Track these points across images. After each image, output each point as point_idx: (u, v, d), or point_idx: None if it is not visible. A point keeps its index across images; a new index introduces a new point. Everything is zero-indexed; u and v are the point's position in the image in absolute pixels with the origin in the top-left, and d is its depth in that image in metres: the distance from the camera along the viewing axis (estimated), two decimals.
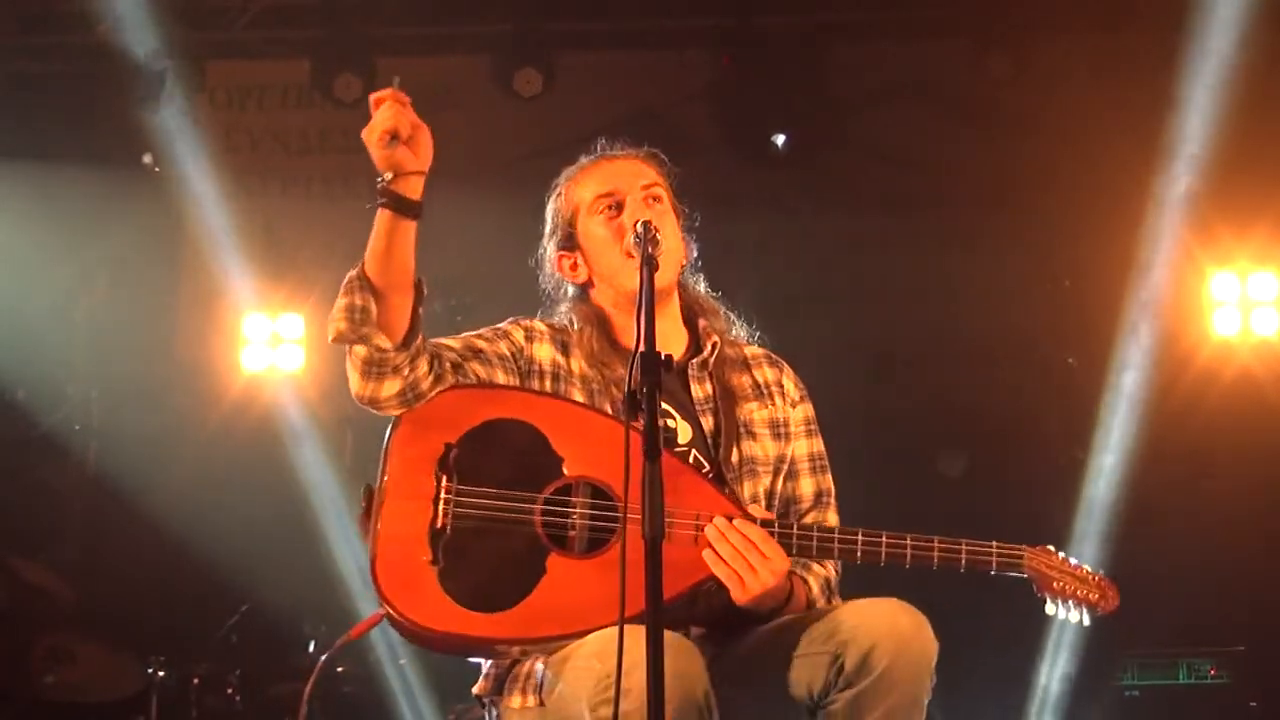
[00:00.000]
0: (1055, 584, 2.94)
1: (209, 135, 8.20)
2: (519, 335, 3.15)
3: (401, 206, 2.84)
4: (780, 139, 7.74)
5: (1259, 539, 7.00)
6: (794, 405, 3.27)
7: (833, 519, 3.22)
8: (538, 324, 3.21)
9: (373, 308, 2.86)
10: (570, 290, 3.27)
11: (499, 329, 3.17)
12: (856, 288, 7.88)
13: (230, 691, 6.62)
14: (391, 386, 2.90)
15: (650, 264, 2.82)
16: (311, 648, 6.49)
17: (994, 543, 2.92)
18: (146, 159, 8.00)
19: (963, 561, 2.90)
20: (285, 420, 7.93)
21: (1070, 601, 2.95)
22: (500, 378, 3.07)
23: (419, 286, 2.94)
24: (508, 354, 3.10)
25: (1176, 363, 7.49)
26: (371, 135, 2.85)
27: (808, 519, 3.19)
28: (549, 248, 3.29)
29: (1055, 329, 7.57)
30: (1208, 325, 7.61)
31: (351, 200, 8.34)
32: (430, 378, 2.94)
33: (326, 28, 7.92)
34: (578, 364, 3.14)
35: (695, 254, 3.33)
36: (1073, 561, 2.98)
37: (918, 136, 7.93)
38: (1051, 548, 2.97)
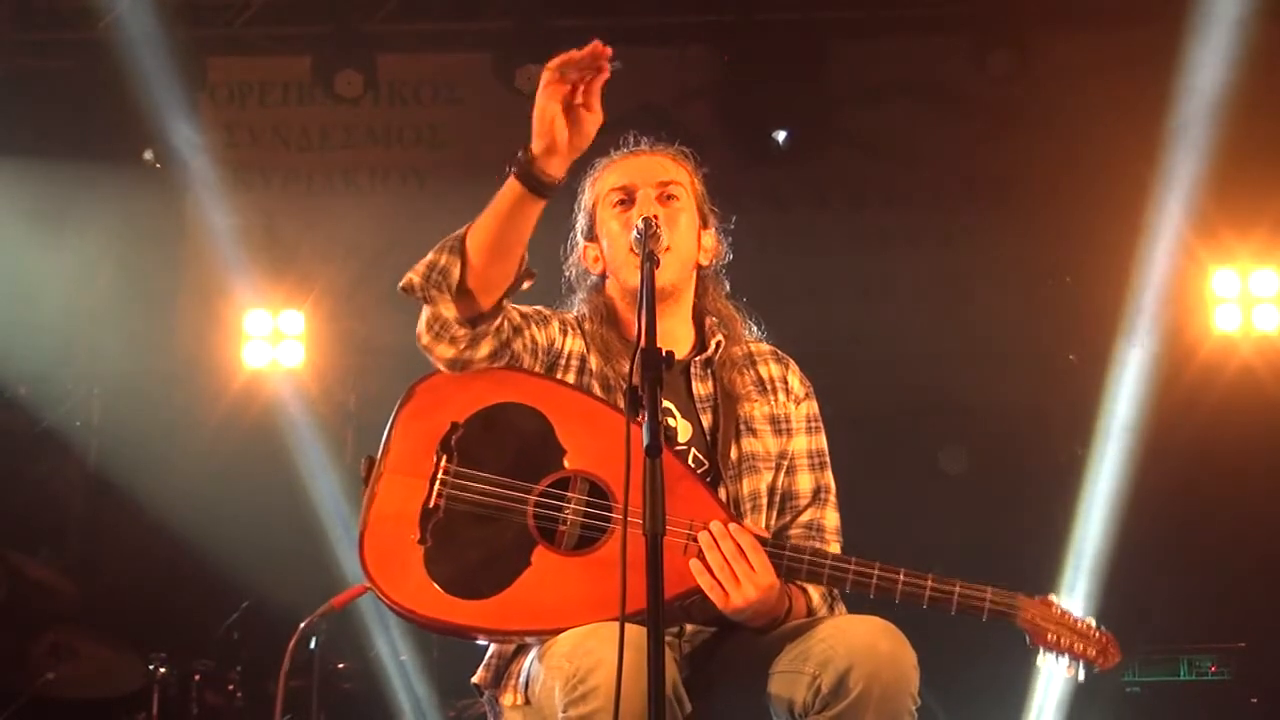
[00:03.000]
0: (1049, 637, 2.84)
1: (210, 131, 8.21)
2: (555, 327, 3.16)
3: (537, 186, 2.77)
4: (781, 135, 7.74)
5: (1260, 535, 7.00)
6: (798, 402, 3.26)
7: (831, 516, 3.21)
8: (569, 315, 3.23)
9: (455, 272, 2.84)
10: (591, 280, 3.28)
11: (545, 316, 3.17)
12: (857, 284, 7.88)
13: (231, 688, 6.62)
14: (445, 351, 2.91)
15: (651, 260, 2.81)
16: (313, 644, 6.49)
17: (989, 588, 2.85)
18: (147, 155, 8.00)
19: (954, 603, 2.82)
20: (286, 416, 7.93)
21: (1065, 655, 2.85)
22: (534, 368, 3.07)
23: (526, 271, 2.91)
24: (546, 345, 3.11)
25: (1178, 359, 7.50)
26: (542, 118, 2.71)
27: (805, 515, 3.18)
28: (578, 237, 3.31)
29: (1057, 325, 7.56)
30: (1209, 321, 7.62)
31: (352, 196, 8.35)
32: (486, 360, 2.95)
33: (328, 24, 7.93)
34: (595, 359, 3.15)
35: (727, 255, 3.32)
36: (1074, 615, 2.88)
37: (919, 133, 7.93)
38: (1053, 598, 2.88)
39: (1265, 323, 7.59)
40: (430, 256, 2.87)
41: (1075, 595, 6.91)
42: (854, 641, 2.74)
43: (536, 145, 2.74)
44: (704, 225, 3.27)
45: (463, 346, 2.90)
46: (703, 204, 3.28)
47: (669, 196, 3.19)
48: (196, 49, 8.07)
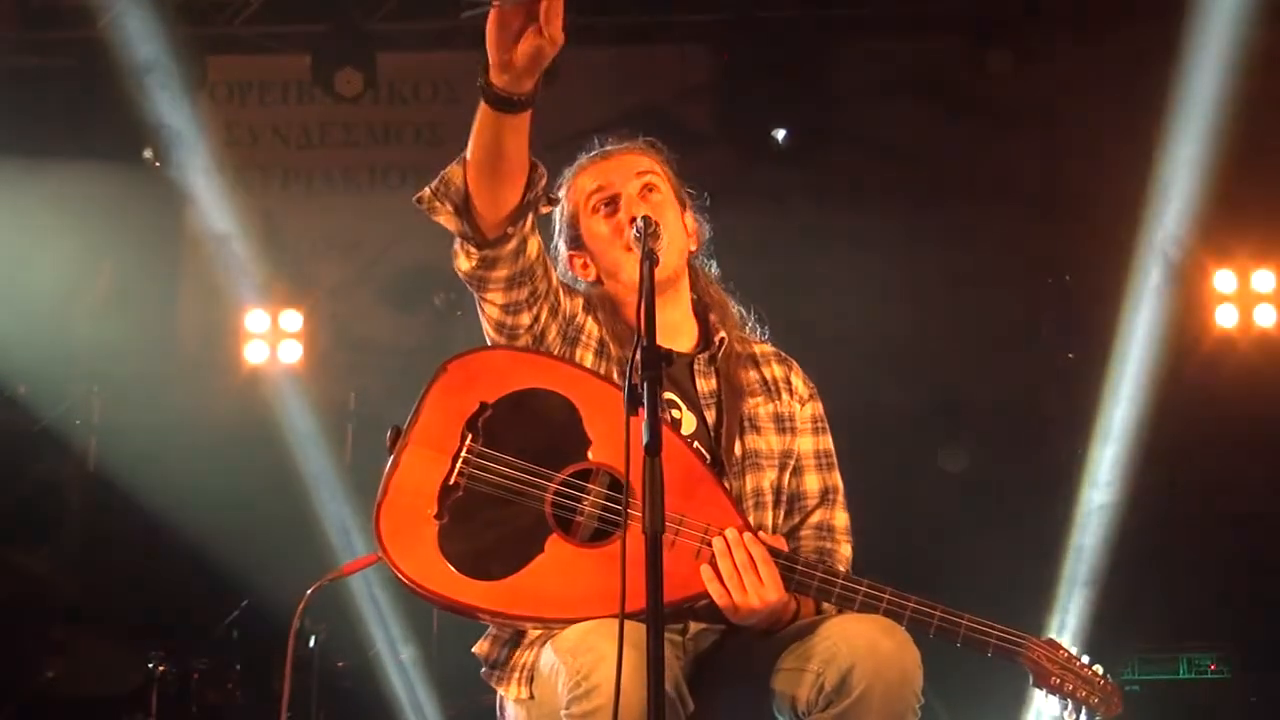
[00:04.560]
0: (1054, 680, 2.83)
1: (210, 130, 8.21)
2: (580, 304, 3.16)
3: (500, 103, 2.72)
4: (781, 134, 7.74)
5: (1260, 533, 7.00)
6: (802, 403, 3.26)
7: (841, 516, 3.21)
8: (592, 297, 3.23)
9: (459, 184, 2.83)
10: (582, 286, 3.27)
11: (572, 290, 3.18)
12: (857, 282, 7.87)
13: (230, 686, 6.62)
14: (463, 263, 2.92)
15: (651, 259, 2.80)
16: (312, 643, 6.49)
17: (996, 625, 2.84)
18: (147, 154, 8.00)
19: (960, 635, 2.82)
20: (285, 415, 7.94)
21: (1069, 700, 2.84)
22: (551, 333, 3.07)
23: (540, 195, 2.88)
24: (568, 314, 3.12)
25: (1177, 357, 7.50)
26: (489, 41, 2.67)
27: (815, 516, 3.18)
28: (560, 247, 3.28)
29: (1055, 323, 7.56)
30: (1209, 319, 7.61)
31: (352, 194, 8.35)
32: (503, 283, 2.93)
33: (327, 22, 7.93)
34: (614, 345, 3.15)
35: (708, 234, 3.32)
36: (1082, 660, 2.87)
37: (918, 131, 7.93)
38: (1059, 640, 2.87)
39: (1265, 320, 7.59)
40: (444, 170, 2.87)
41: (1075, 594, 6.91)
42: (857, 640, 2.74)
43: (492, 71, 2.71)
44: (683, 209, 3.27)
45: (475, 263, 2.90)
46: (678, 189, 3.28)
47: (650, 189, 3.19)
48: (196, 47, 8.08)
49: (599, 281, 3.24)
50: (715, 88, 7.99)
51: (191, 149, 8.09)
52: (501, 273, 2.92)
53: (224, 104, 8.43)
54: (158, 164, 8.02)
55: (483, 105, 2.72)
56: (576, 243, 3.24)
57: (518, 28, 2.62)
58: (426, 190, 2.87)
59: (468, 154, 2.81)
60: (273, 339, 8.06)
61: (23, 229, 7.82)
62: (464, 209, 2.85)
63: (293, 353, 8.06)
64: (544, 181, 2.89)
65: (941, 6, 7.89)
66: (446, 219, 2.86)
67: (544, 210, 2.95)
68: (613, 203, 3.16)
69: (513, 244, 2.88)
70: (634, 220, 2.97)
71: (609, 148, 3.27)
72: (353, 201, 8.29)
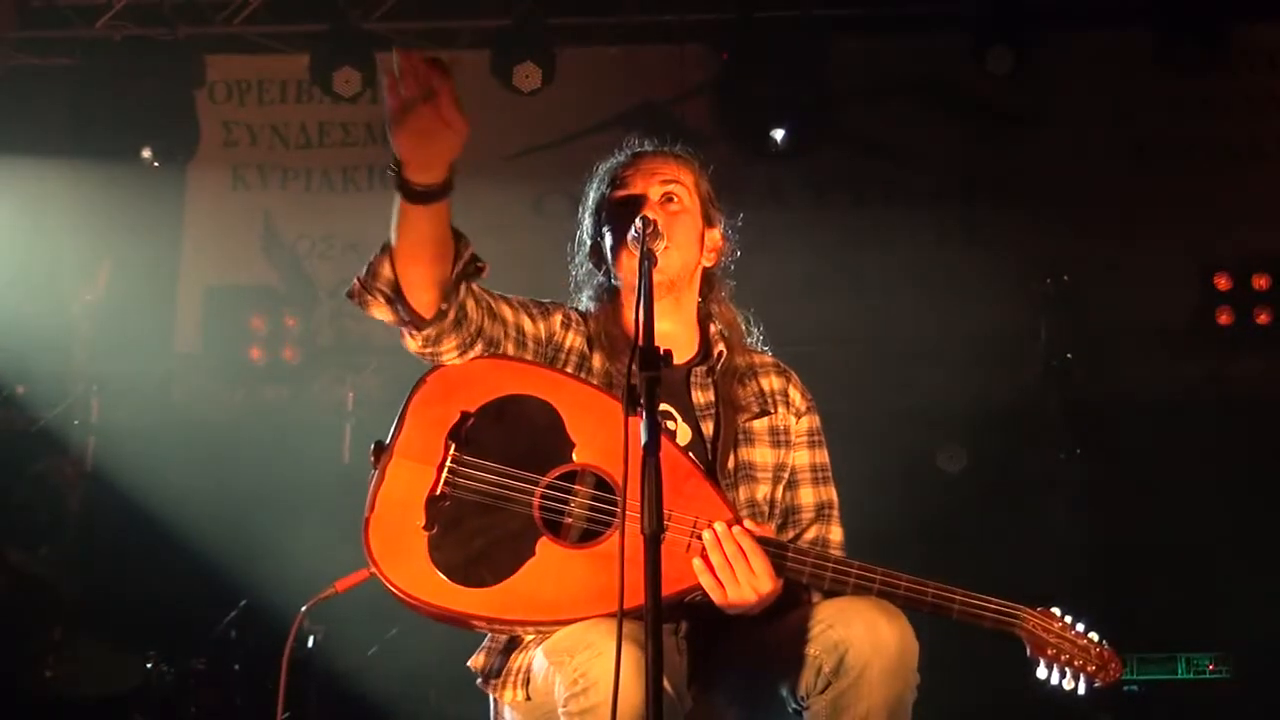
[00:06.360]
0: (1050, 650, 2.85)
1: (208, 129, 8.21)
2: (557, 321, 3.18)
3: (410, 194, 2.70)
4: (779, 134, 7.72)
5: (1259, 533, 7.00)
6: (799, 416, 3.27)
7: (836, 532, 3.21)
8: (575, 312, 3.24)
9: (387, 273, 2.83)
10: (597, 279, 3.30)
11: (545, 308, 3.19)
12: (855, 282, 7.87)
13: (229, 687, 6.61)
14: (410, 343, 2.95)
15: (649, 259, 2.82)
16: (311, 643, 6.49)
17: (992, 598, 2.86)
18: (147, 154, 7.99)
19: (955, 611, 2.84)
20: (284, 415, 7.94)
21: (1067, 670, 2.86)
22: (526, 359, 3.09)
23: (469, 265, 2.89)
24: (543, 337, 3.13)
25: (1177, 356, 7.49)
26: (391, 138, 2.65)
27: (810, 532, 3.19)
28: (584, 236, 3.32)
29: (1054, 324, 7.55)
30: (1208, 319, 7.61)
31: (351, 194, 8.35)
32: (455, 352, 2.96)
33: (326, 22, 7.93)
34: (598, 357, 3.16)
35: (733, 254, 3.34)
36: (1078, 628, 2.88)
37: (918, 132, 7.93)
38: (1056, 610, 2.88)
39: (1264, 321, 7.58)
40: (369, 261, 2.86)
41: (1074, 595, 6.91)
42: (854, 621, 2.75)
43: (406, 168, 2.68)
44: (709, 225, 3.28)
45: (420, 343, 2.93)
46: (707, 205, 3.29)
47: (669, 198, 3.20)
48: (195, 47, 8.08)
49: (609, 277, 3.27)
50: (715, 88, 7.99)
51: (190, 149, 8.09)
52: (450, 343, 2.95)
53: (222, 103, 8.42)
54: (157, 164, 8.01)
55: (400, 200, 2.71)
56: (595, 235, 3.28)
57: (422, 123, 2.59)
58: (356, 283, 2.87)
59: (392, 244, 2.80)
60: (272, 339, 8.07)
61: (22, 228, 7.82)
62: (396, 297, 2.85)
63: (292, 353, 8.07)
64: (470, 250, 2.89)
65: (941, 6, 7.89)
66: (380, 311, 2.88)
67: (472, 277, 2.93)
68: (630, 203, 3.18)
69: (451, 315, 2.90)
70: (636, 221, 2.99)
71: (645, 150, 3.31)
72: (353, 201, 8.28)
